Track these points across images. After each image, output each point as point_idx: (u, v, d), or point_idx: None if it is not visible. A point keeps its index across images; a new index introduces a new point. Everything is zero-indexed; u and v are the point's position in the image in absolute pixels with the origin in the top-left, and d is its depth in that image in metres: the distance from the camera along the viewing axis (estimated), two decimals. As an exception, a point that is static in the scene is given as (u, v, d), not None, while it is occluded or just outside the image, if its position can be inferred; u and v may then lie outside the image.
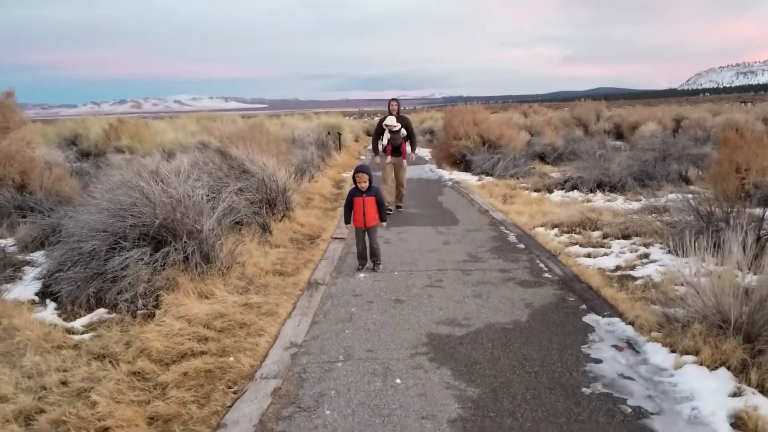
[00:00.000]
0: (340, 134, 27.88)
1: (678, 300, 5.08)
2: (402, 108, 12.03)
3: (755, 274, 4.70)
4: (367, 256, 7.48)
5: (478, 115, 19.61)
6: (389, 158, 11.53)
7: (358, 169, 7.30)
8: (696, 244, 5.12)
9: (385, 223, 7.55)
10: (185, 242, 6.29)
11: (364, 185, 7.25)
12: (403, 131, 11.48)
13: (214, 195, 8.04)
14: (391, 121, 11.30)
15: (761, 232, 7.02)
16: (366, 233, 7.44)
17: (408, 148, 11.83)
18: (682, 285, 5.28)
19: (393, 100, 11.73)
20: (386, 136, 11.44)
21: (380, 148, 11.66)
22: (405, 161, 11.75)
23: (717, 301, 4.49)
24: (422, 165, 20.92)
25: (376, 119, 12.08)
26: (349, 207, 7.38)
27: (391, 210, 11.42)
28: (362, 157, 26.92)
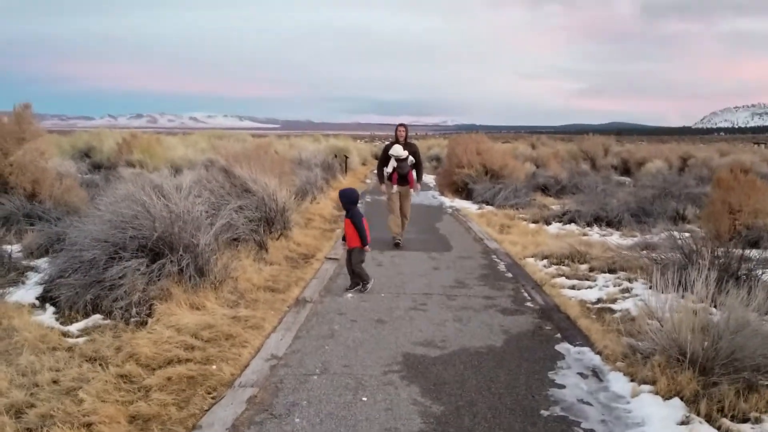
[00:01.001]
0: (347, 157, 28.29)
1: (644, 333, 5.32)
2: (410, 134, 11.74)
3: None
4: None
5: (481, 144, 19.96)
6: (395, 187, 10.87)
7: (340, 192, 8.08)
8: (670, 280, 5.40)
9: (368, 248, 7.79)
10: (181, 255, 6.58)
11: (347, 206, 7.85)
12: (411, 159, 10.82)
13: (214, 211, 8.35)
14: (397, 150, 10.69)
15: (739, 271, 7.27)
16: (349, 254, 7.84)
17: (414, 176, 11.06)
18: (654, 319, 5.51)
19: (401, 125, 11.09)
20: (392, 163, 10.79)
21: (385, 176, 11.02)
22: (412, 190, 11.07)
23: (676, 335, 4.73)
24: (426, 191, 21.23)
25: (386, 143, 11.85)
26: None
27: (399, 241, 10.89)
28: (368, 180, 27.29)
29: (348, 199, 7.81)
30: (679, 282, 5.36)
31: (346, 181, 24.01)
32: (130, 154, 21.65)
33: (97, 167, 22.27)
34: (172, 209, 6.96)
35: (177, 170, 15.87)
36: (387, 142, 11.62)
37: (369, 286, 7.72)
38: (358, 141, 69.50)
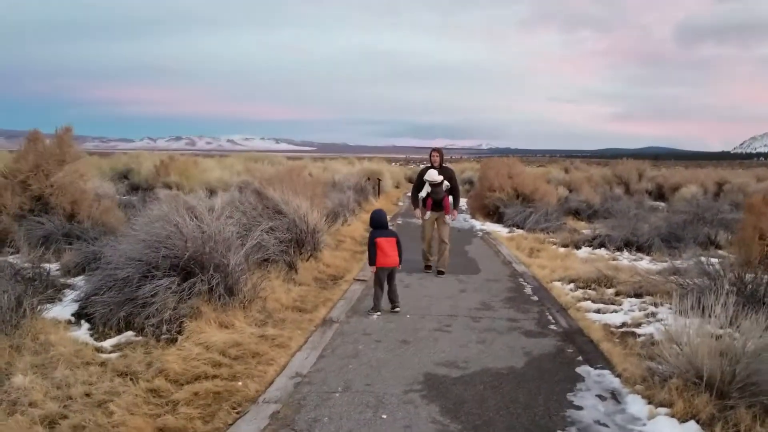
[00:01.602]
0: (380, 180, 28.54)
1: (664, 356, 5.34)
2: (445, 157, 11.45)
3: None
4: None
5: (512, 168, 20.02)
6: (429, 213, 10.54)
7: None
8: (690, 305, 5.44)
9: (372, 268, 7.88)
10: (211, 275, 6.78)
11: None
12: (446, 184, 10.47)
13: (246, 232, 8.57)
14: (432, 175, 10.36)
15: (765, 297, 7.22)
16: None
17: (451, 202, 10.74)
18: (679, 343, 5.53)
19: (435, 150, 10.80)
20: (426, 188, 10.48)
21: (420, 201, 10.65)
22: (447, 217, 10.63)
23: (693, 359, 4.76)
24: (458, 215, 21.28)
25: (422, 167, 11.74)
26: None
27: (430, 267, 10.73)
28: (400, 203, 27.48)
29: (372, 222, 8.06)
30: (702, 307, 5.39)
31: (378, 204, 24.21)
32: (167, 176, 22.20)
33: (135, 189, 22.89)
34: (204, 230, 7.19)
35: (212, 192, 16.26)
36: (422, 166, 11.37)
37: (373, 313, 7.71)
38: (393, 164, 69.89)
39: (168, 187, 20.71)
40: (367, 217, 18.80)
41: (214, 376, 5.28)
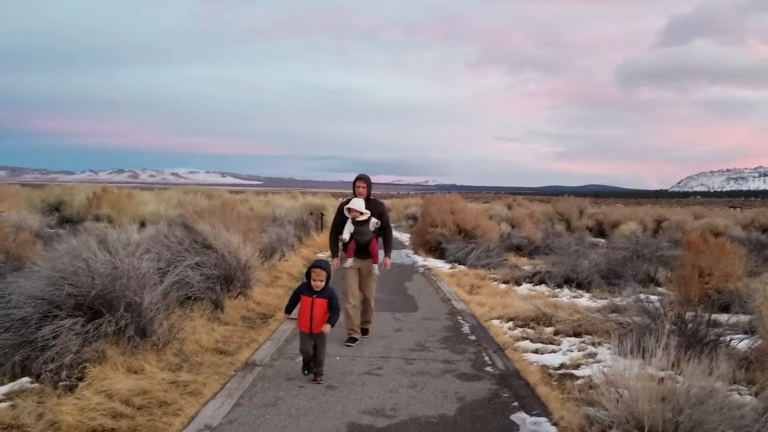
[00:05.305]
0: (323, 215, 28.10)
1: (602, 403, 5.04)
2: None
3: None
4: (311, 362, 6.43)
5: (455, 204, 19.88)
6: (351, 261, 8.05)
7: (316, 264, 6.35)
8: (631, 346, 5.17)
9: (329, 327, 6.24)
10: (121, 315, 6.22)
11: (320, 284, 6.22)
12: (375, 221, 8.09)
13: (168, 268, 8.03)
14: (356, 204, 7.91)
15: (707, 337, 7.04)
16: (313, 340, 6.29)
17: (381, 247, 8.27)
18: (618, 387, 5.24)
19: (359, 179, 8.15)
20: (348, 227, 8.01)
21: (340, 245, 8.25)
22: (376, 267, 8.16)
23: (633, 407, 4.45)
24: (400, 250, 21.00)
25: (342, 201, 8.66)
26: (294, 301, 6.43)
27: (356, 339, 8.00)
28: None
29: (330, 275, 6.41)
30: (643, 348, 5.13)
31: (320, 239, 23.71)
32: (100, 208, 21.29)
33: (67, 221, 21.90)
34: (117, 265, 6.64)
35: (142, 225, 15.55)
36: (342, 200, 8.88)
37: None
38: (340, 198, 69.54)
39: (99, 220, 19.82)
40: (307, 252, 18.34)
41: (112, 430, 4.74)
